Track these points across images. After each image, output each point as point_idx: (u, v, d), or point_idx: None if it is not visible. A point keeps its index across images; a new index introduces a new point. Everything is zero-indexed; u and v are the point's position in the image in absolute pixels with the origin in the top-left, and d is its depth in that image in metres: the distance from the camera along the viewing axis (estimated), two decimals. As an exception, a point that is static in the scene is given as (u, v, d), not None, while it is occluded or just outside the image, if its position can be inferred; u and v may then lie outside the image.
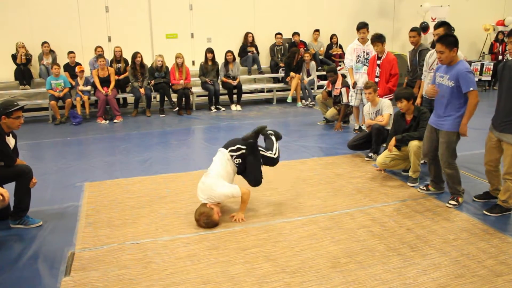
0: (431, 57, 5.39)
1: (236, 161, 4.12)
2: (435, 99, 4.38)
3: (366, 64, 6.82)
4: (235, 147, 4.13)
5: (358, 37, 6.92)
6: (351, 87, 7.09)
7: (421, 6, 12.00)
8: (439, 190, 4.68)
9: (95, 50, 9.14)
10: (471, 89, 4.02)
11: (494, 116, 4.15)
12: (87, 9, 9.58)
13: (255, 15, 10.87)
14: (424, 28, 11.22)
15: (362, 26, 6.85)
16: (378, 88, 6.16)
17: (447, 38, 4.13)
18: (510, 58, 4.16)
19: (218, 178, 3.99)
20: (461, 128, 4.18)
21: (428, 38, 11.24)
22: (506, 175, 4.05)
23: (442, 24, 5.24)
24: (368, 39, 6.87)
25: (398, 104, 5.07)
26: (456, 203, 4.35)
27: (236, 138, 4.31)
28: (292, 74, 9.81)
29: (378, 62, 6.47)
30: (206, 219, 3.90)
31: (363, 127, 7.03)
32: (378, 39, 6.36)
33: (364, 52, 6.87)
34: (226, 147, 4.18)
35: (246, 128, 7.89)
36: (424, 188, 4.75)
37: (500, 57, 12.20)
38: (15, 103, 3.91)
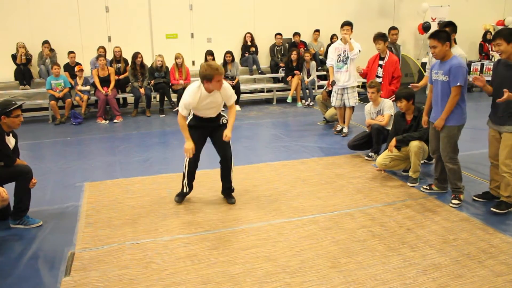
0: None
1: None
2: (433, 96, 4.39)
3: (347, 62, 6.77)
4: None
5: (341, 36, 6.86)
6: (330, 85, 7.10)
7: (421, 6, 11.99)
8: (442, 190, 4.67)
9: (98, 50, 9.13)
10: (458, 84, 4.07)
11: (491, 112, 4.18)
12: (87, 9, 9.58)
13: (255, 15, 10.87)
14: (426, 28, 11.21)
15: (346, 24, 6.71)
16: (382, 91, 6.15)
17: (439, 33, 4.23)
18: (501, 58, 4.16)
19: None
20: (438, 122, 4.24)
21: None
22: (503, 166, 4.02)
23: (448, 24, 5.23)
24: (350, 39, 6.77)
25: (398, 104, 5.08)
26: (459, 202, 4.35)
27: None
28: (296, 72, 9.81)
29: (381, 62, 6.36)
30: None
31: (345, 130, 7.07)
32: (382, 37, 6.28)
33: (345, 51, 6.79)
34: None
35: (246, 128, 7.90)
36: (427, 187, 4.74)
37: (490, 57, 12.17)
38: (13, 102, 3.92)
